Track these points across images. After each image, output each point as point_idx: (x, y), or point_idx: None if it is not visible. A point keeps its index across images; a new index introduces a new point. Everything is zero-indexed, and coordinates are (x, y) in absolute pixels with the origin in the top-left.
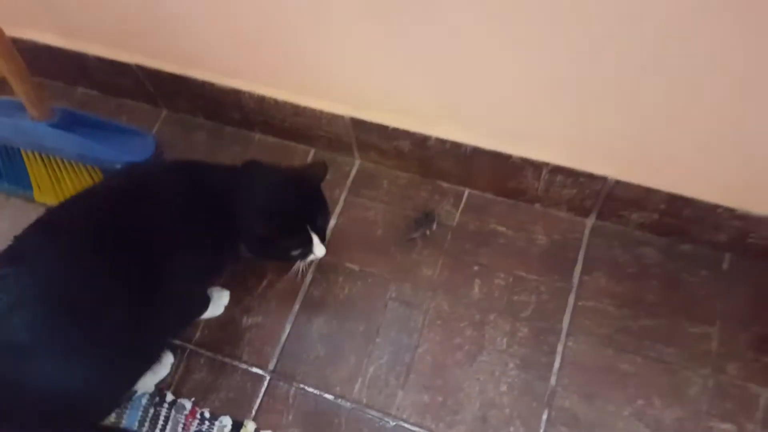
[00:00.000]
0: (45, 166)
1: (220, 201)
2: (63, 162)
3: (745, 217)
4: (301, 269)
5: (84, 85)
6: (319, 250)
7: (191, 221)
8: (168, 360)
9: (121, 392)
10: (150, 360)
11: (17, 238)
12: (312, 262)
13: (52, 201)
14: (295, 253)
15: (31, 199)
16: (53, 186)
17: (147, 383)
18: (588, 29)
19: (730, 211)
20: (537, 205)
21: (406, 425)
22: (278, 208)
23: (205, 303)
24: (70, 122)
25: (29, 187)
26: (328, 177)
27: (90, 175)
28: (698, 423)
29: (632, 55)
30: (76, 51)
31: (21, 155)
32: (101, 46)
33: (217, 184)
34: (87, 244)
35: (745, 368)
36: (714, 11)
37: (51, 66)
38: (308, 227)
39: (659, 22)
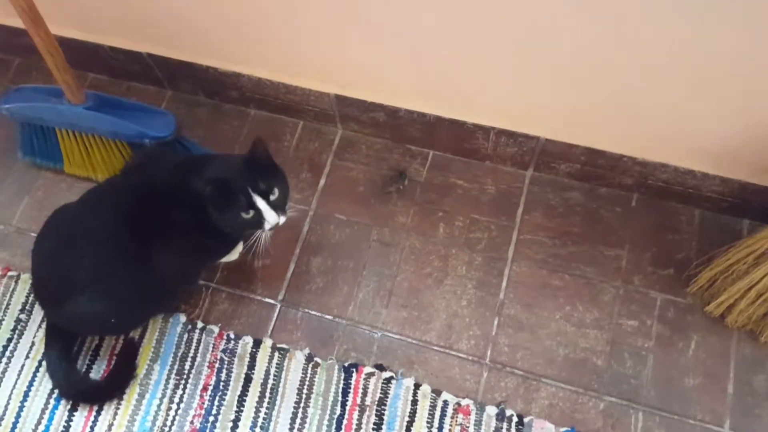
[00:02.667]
0: (77, 142)
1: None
2: (94, 138)
3: (644, 164)
4: (260, 241)
5: (96, 71)
6: (269, 215)
7: (181, 210)
8: (238, 248)
9: (137, 317)
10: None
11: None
12: (271, 232)
13: (81, 173)
14: (247, 216)
15: (60, 172)
16: (83, 160)
17: (231, 256)
18: (525, 33)
19: (633, 159)
20: (487, 162)
21: (389, 335)
22: (217, 175)
23: (196, 276)
24: (101, 105)
25: (60, 161)
26: (316, 145)
27: (118, 150)
28: (611, 321)
29: (553, 41)
30: (92, 42)
31: (55, 133)
32: (115, 37)
33: (193, 175)
34: (116, 216)
35: (646, 279)
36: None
37: (67, 56)
38: (249, 189)
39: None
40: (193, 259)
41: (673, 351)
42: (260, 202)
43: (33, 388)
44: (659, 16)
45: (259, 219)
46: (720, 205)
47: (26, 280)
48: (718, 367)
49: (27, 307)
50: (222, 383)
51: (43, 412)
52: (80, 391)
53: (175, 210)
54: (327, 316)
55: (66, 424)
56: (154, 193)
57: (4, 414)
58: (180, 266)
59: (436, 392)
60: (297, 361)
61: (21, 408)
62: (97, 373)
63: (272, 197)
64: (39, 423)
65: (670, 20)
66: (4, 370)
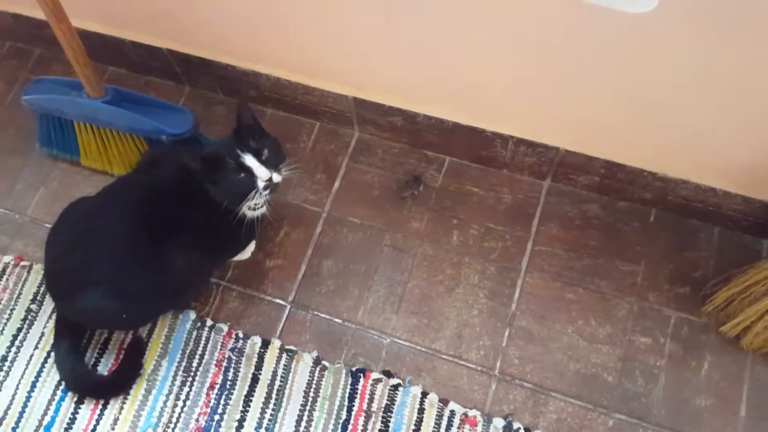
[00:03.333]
0: (94, 135)
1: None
2: (111, 133)
3: (664, 179)
4: (263, 203)
5: (116, 64)
6: (260, 171)
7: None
8: (250, 247)
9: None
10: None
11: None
12: (270, 195)
13: (97, 166)
14: (239, 176)
15: (76, 164)
16: (100, 153)
17: (243, 255)
18: (549, 44)
19: (653, 175)
20: (504, 170)
21: (399, 341)
22: (205, 150)
23: (208, 275)
24: (120, 99)
25: (77, 153)
26: (332, 146)
27: (135, 145)
28: (624, 337)
29: (572, 58)
30: (114, 36)
31: (73, 126)
32: (137, 32)
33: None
34: (130, 214)
35: (661, 296)
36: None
37: (88, 49)
38: (237, 151)
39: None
40: (206, 257)
41: (686, 370)
42: (250, 160)
43: (41, 379)
44: (685, 32)
45: (252, 178)
46: (740, 224)
47: (38, 270)
48: (731, 389)
49: (38, 298)
50: (229, 382)
51: (49, 403)
52: (86, 385)
53: (187, 207)
54: (336, 320)
55: (72, 417)
56: (166, 191)
57: (11, 404)
58: (192, 264)
59: (444, 402)
60: (305, 363)
61: (28, 398)
62: (105, 366)
63: (263, 156)
64: (45, 414)
65: (696, 37)
66: (13, 360)
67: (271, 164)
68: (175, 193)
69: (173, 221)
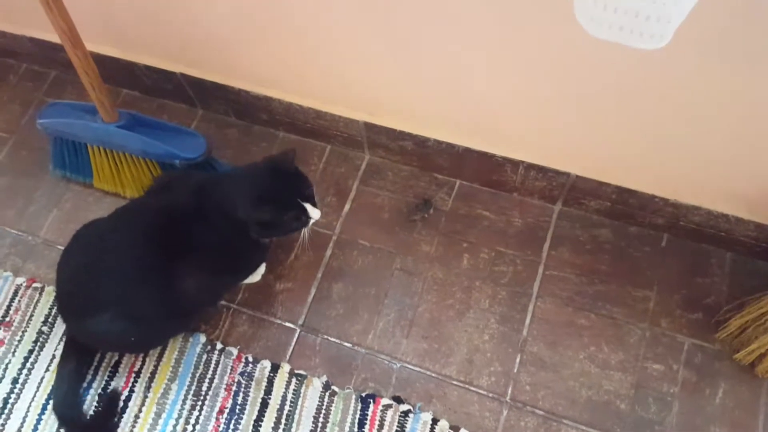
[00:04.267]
0: (107, 158)
1: (226, 207)
2: (124, 156)
3: (676, 205)
4: (304, 236)
5: (129, 87)
6: (314, 213)
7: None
8: (261, 270)
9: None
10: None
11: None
12: (310, 227)
13: (110, 188)
14: (296, 224)
15: (89, 186)
16: (113, 175)
17: (254, 278)
18: (560, 73)
19: (665, 200)
20: (515, 194)
21: (409, 366)
22: (267, 196)
23: (219, 297)
24: (133, 124)
25: (90, 175)
26: (342, 170)
27: (148, 168)
28: (636, 364)
29: (584, 87)
30: (127, 60)
31: (86, 149)
32: (150, 56)
33: (219, 195)
34: (142, 237)
35: (674, 323)
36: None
37: (102, 72)
38: (298, 200)
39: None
40: (218, 279)
41: (700, 398)
42: (309, 208)
43: (51, 402)
44: (698, 66)
45: (305, 220)
46: (753, 249)
47: (50, 292)
48: (746, 418)
49: (50, 320)
50: (238, 407)
51: (60, 426)
52: (66, 417)
53: (200, 231)
54: (346, 344)
55: None
56: (178, 215)
57: (22, 426)
58: (205, 286)
59: (454, 428)
60: (314, 388)
61: (38, 421)
62: (117, 385)
63: (315, 199)
64: None
65: (709, 71)
66: (24, 382)
67: (315, 202)
68: (188, 217)
69: (185, 244)
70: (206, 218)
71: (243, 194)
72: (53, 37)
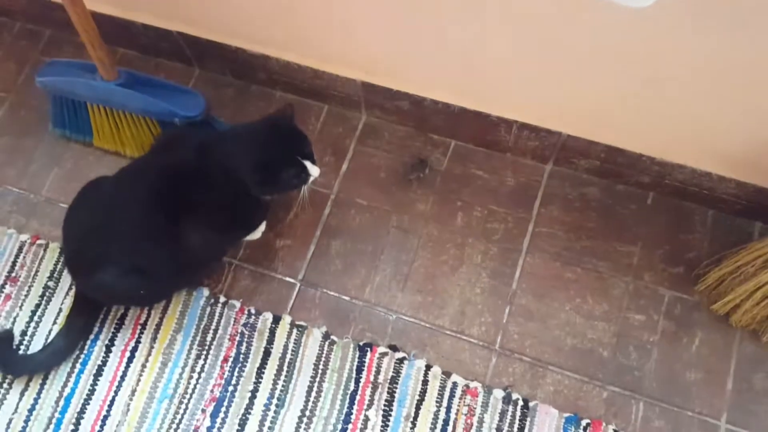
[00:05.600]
0: (107, 117)
1: (227, 165)
2: (124, 114)
3: (662, 164)
4: (304, 193)
5: (126, 46)
6: (314, 170)
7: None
8: (261, 227)
9: (164, 290)
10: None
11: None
12: (309, 185)
13: (110, 147)
14: (296, 181)
15: (89, 144)
16: (113, 134)
17: (255, 235)
18: (552, 34)
19: (651, 159)
20: (508, 154)
21: (404, 317)
22: (267, 154)
23: (223, 253)
24: (133, 82)
25: (90, 134)
26: (339, 130)
27: (148, 126)
28: (619, 314)
29: (575, 47)
30: (125, 19)
31: (86, 108)
32: (147, 14)
33: (220, 154)
34: (148, 194)
35: (656, 276)
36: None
37: (99, 31)
38: (297, 158)
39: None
40: (221, 236)
41: (677, 346)
42: (309, 165)
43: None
44: (684, 26)
45: (305, 177)
46: (734, 207)
47: (54, 248)
48: (720, 364)
49: (55, 275)
50: (242, 356)
51: (69, 375)
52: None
53: (204, 188)
54: (344, 297)
55: (91, 389)
56: (184, 172)
57: (32, 377)
58: (208, 242)
59: (446, 374)
60: (314, 338)
61: (48, 371)
62: (122, 341)
63: (314, 156)
64: (65, 386)
65: (695, 31)
66: (32, 335)
67: (315, 160)
68: (193, 175)
69: (189, 202)
70: (208, 176)
71: (243, 153)
72: None
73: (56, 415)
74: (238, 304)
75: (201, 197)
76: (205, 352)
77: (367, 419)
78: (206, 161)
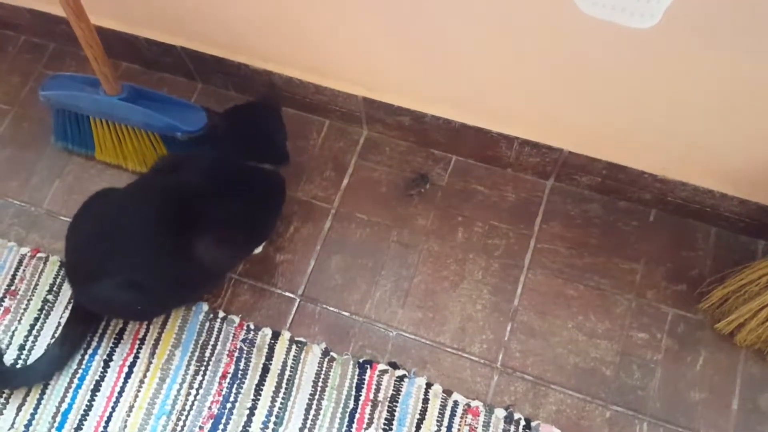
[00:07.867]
0: (110, 131)
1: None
2: (127, 128)
3: (663, 181)
4: None
5: (129, 60)
6: None
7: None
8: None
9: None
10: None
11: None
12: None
13: (111, 160)
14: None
15: (91, 158)
16: (115, 148)
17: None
18: (553, 51)
19: (653, 177)
20: (509, 170)
21: (404, 334)
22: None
23: (231, 269)
24: (136, 97)
25: (92, 148)
26: (340, 144)
27: (150, 141)
28: (622, 332)
29: (577, 65)
30: (128, 33)
31: (89, 121)
32: (151, 30)
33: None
34: (158, 212)
35: (659, 294)
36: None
37: (103, 44)
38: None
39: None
40: (233, 252)
41: (681, 365)
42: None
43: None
44: (686, 46)
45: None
46: (737, 225)
47: (54, 262)
48: (724, 384)
49: (54, 289)
50: (240, 372)
51: (66, 390)
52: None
53: (216, 207)
54: (344, 313)
55: (88, 404)
56: (194, 192)
57: (29, 391)
58: (219, 260)
59: (447, 392)
60: (313, 354)
61: (45, 386)
62: (120, 356)
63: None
64: (62, 401)
65: (697, 51)
66: (30, 349)
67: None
68: (204, 193)
69: (202, 220)
70: (221, 197)
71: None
72: (52, 9)
73: (53, 431)
74: (237, 320)
75: (215, 216)
76: (203, 368)
77: None
78: (222, 179)
